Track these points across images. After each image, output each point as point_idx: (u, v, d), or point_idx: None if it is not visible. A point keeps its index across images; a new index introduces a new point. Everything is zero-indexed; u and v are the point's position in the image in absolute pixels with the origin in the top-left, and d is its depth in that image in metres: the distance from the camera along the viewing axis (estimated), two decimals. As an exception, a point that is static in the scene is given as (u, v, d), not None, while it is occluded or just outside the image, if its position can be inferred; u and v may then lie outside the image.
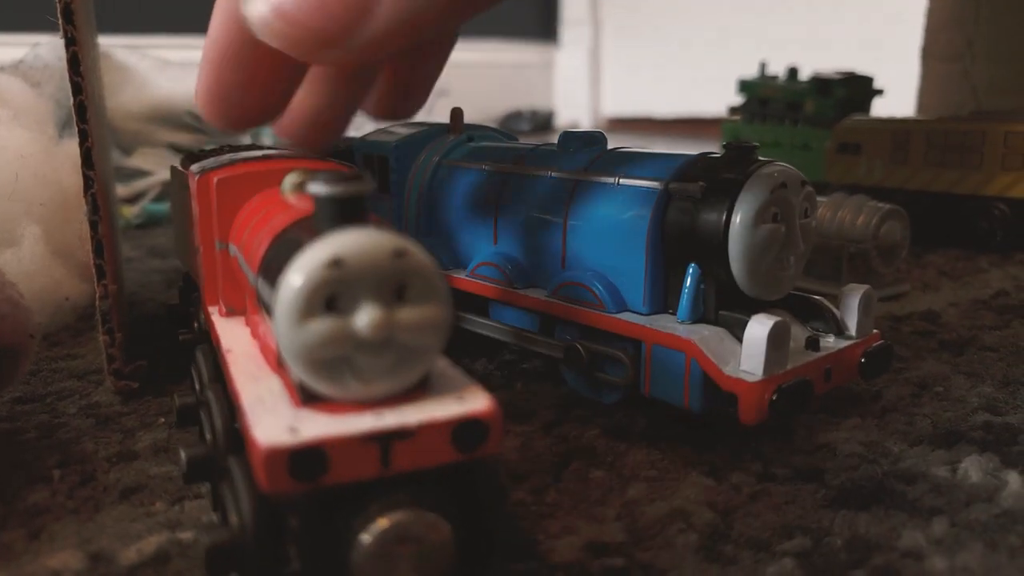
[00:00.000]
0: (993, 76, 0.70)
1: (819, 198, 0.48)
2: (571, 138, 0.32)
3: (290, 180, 0.21)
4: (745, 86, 0.81)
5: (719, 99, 0.92)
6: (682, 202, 0.26)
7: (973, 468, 0.24)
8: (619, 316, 0.27)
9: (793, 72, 0.78)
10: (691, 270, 0.26)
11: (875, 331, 0.28)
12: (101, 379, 0.32)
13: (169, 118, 0.80)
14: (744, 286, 0.26)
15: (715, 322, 0.26)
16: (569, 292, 0.29)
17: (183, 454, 0.20)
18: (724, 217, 0.25)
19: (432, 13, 0.19)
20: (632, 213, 0.27)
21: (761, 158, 0.26)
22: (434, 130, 0.37)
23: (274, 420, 0.16)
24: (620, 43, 1.92)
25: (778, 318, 0.24)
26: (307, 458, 0.15)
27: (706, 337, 0.25)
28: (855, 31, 1.32)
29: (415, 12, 0.19)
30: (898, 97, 0.76)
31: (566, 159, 0.31)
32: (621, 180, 0.28)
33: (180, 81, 0.82)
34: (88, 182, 0.28)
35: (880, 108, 0.73)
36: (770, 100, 0.78)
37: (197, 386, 0.24)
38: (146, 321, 0.40)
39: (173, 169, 0.36)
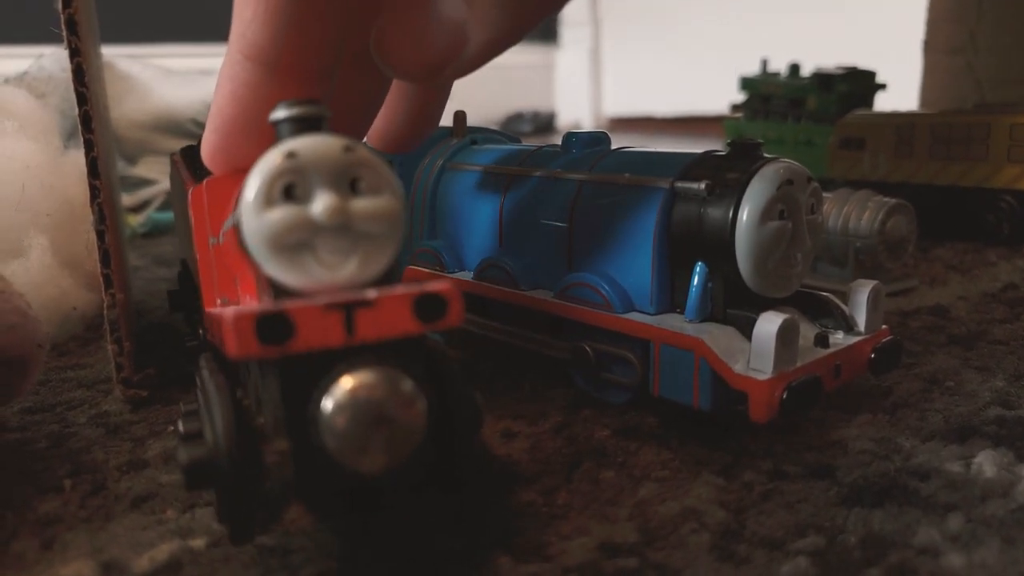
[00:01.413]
0: (996, 68, 0.70)
1: (824, 194, 0.48)
2: (575, 139, 0.31)
3: None
4: (747, 83, 0.81)
5: (721, 97, 0.92)
6: (688, 201, 0.26)
7: (987, 463, 0.24)
8: (626, 316, 0.27)
9: (795, 68, 0.77)
10: (698, 269, 0.26)
11: (884, 327, 0.28)
12: (110, 388, 0.32)
13: (173, 127, 0.81)
14: (752, 284, 0.26)
15: (723, 320, 0.26)
16: (576, 293, 0.29)
17: (181, 458, 0.20)
18: (731, 215, 0.25)
19: (507, 37, 0.22)
20: (638, 212, 0.27)
21: (766, 155, 0.26)
22: (438, 133, 0.37)
23: (247, 309, 0.17)
24: (620, 43, 1.92)
25: (787, 315, 0.24)
26: (273, 322, 0.16)
27: (715, 336, 0.25)
28: (856, 26, 1.32)
29: (496, 37, 0.22)
30: (901, 91, 0.75)
31: (570, 160, 0.31)
32: (626, 180, 0.28)
33: (183, 90, 0.82)
34: (94, 192, 0.28)
35: (883, 103, 0.73)
36: (772, 97, 0.78)
37: (200, 397, 0.24)
38: (154, 329, 0.40)
39: (172, 158, 0.36)
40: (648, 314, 0.27)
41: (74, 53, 0.27)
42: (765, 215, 0.25)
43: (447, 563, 0.20)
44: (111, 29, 0.54)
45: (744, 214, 0.25)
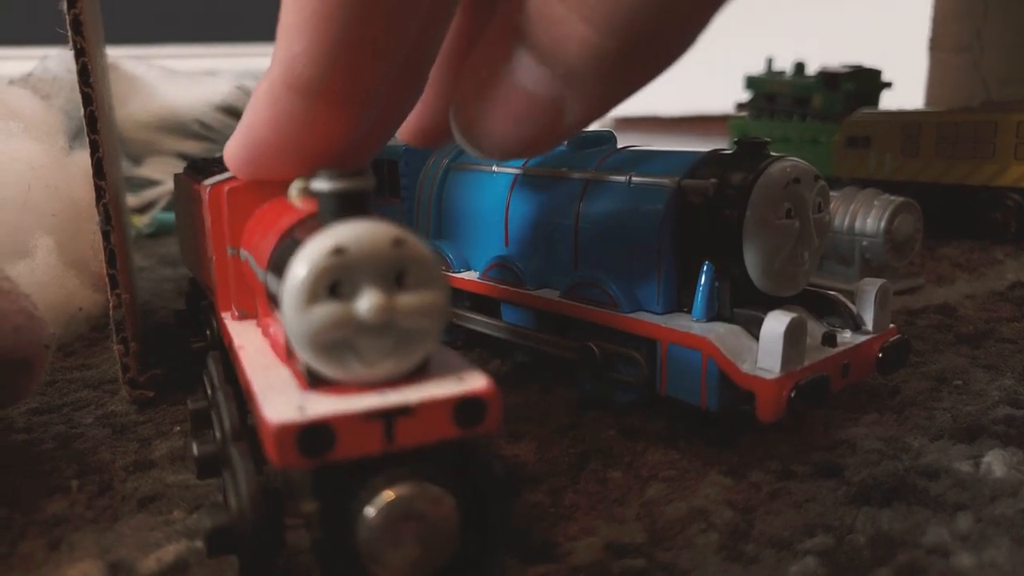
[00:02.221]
0: (1003, 66, 0.70)
1: (830, 193, 0.47)
2: (580, 138, 0.31)
3: (296, 186, 0.21)
4: (752, 82, 0.81)
5: (725, 96, 0.92)
6: (695, 199, 0.26)
7: (996, 462, 0.24)
8: (633, 316, 0.27)
9: (800, 67, 0.77)
10: (705, 268, 0.26)
11: (892, 326, 0.28)
12: (116, 388, 0.32)
13: (178, 127, 0.81)
14: (759, 283, 0.25)
15: (730, 320, 0.26)
16: (582, 292, 0.29)
17: (195, 449, 0.21)
18: (737, 214, 0.25)
19: (603, 108, 0.20)
20: (644, 211, 0.27)
21: (773, 154, 0.26)
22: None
23: (283, 401, 0.17)
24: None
25: (794, 314, 0.24)
26: (315, 434, 0.16)
27: (722, 335, 0.25)
28: (862, 24, 1.32)
29: (592, 109, 0.20)
30: (907, 90, 0.75)
31: (576, 159, 0.31)
32: (633, 178, 0.28)
33: (188, 90, 0.83)
34: (100, 192, 0.28)
35: (888, 101, 0.73)
36: (777, 96, 0.77)
37: (209, 391, 0.24)
38: (159, 330, 0.40)
39: (177, 177, 0.37)
40: (655, 313, 0.27)
41: (79, 53, 0.27)
42: (772, 214, 0.25)
43: (454, 564, 0.20)
44: (116, 30, 0.54)
45: (751, 213, 0.25)
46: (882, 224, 0.43)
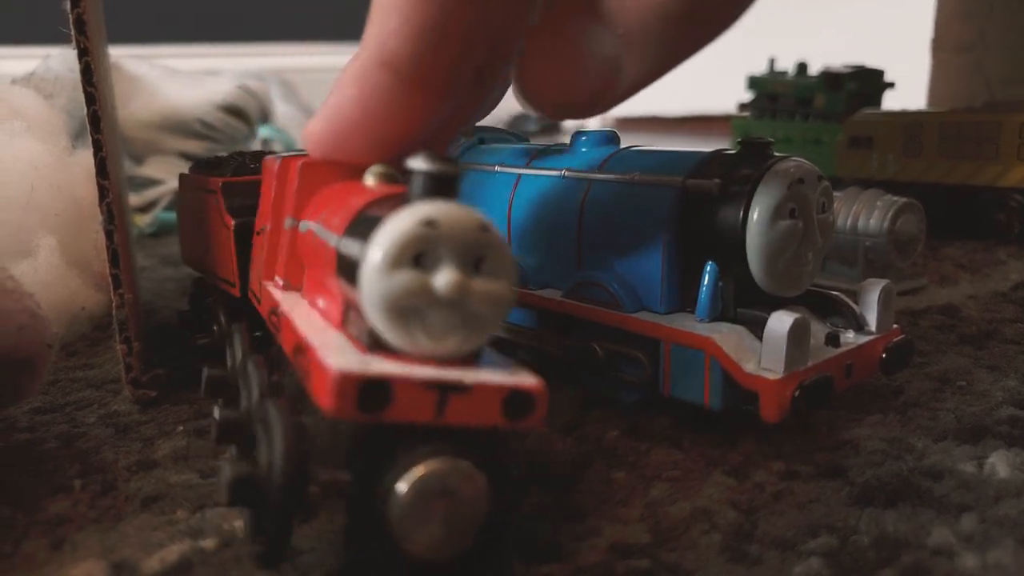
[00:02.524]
0: (1006, 66, 0.69)
1: (834, 194, 0.47)
2: (584, 137, 0.31)
3: (374, 171, 0.22)
4: (754, 82, 0.80)
5: (727, 96, 0.92)
6: (699, 199, 0.26)
7: (1000, 463, 0.24)
8: (636, 315, 0.27)
9: (802, 67, 0.77)
10: (709, 268, 0.26)
11: (895, 326, 0.28)
12: (119, 388, 0.32)
13: (179, 127, 0.81)
14: (762, 283, 0.25)
15: (734, 320, 0.26)
16: (585, 292, 0.29)
17: (216, 413, 0.21)
18: (741, 214, 0.25)
19: (661, 71, 0.21)
20: (648, 211, 0.27)
21: (777, 154, 0.26)
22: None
23: (344, 356, 0.17)
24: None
25: (798, 314, 0.24)
26: (374, 389, 0.16)
27: (725, 335, 0.25)
28: (864, 24, 1.31)
29: (650, 72, 0.20)
30: (909, 90, 0.75)
31: (579, 158, 0.31)
32: (636, 178, 0.28)
33: (190, 90, 0.83)
34: (103, 192, 0.28)
35: (891, 101, 0.73)
36: (780, 96, 0.77)
37: (231, 360, 0.25)
38: (162, 330, 0.40)
39: (183, 177, 0.37)
40: (658, 313, 0.27)
41: (83, 53, 0.27)
42: (776, 214, 0.25)
43: (459, 565, 0.20)
44: (118, 29, 0.54)
45: (755, 213, 0.25)
46: (885, 224, 0.43)
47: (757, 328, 0.25)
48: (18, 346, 0.25)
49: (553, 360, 0.31)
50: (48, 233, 0.37)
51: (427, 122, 0.21)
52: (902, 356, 0.27)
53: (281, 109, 1.00)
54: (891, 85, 0.72)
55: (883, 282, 0.27)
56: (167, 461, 0.26)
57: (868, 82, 0.71)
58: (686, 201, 0.26)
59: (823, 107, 0.72)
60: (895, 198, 0.44)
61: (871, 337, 0.27)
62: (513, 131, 0.39)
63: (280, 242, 0.24)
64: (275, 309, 0.23)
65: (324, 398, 0.16)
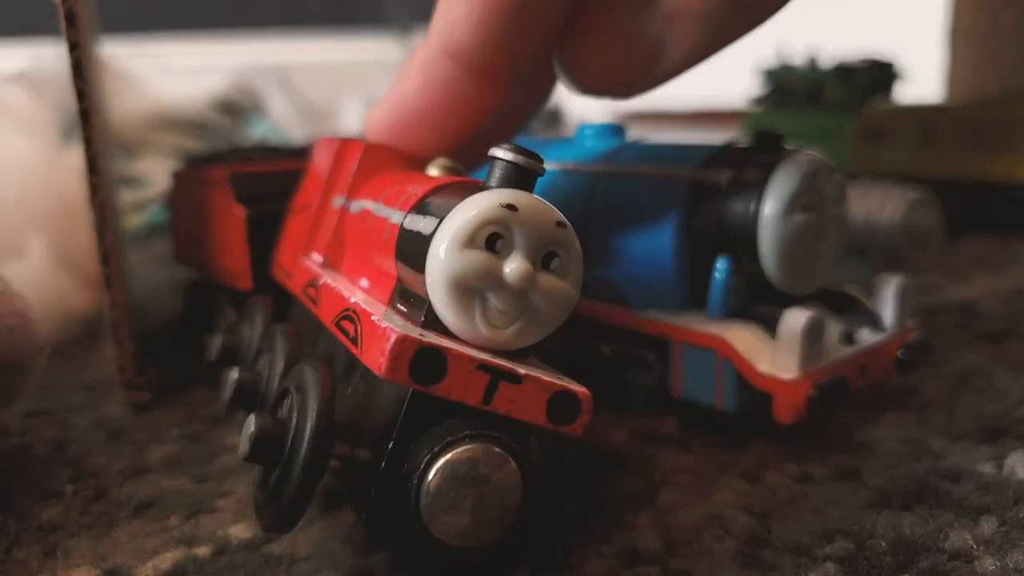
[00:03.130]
0: (1021, 57, 0.68)
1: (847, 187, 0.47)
2: (589, 130, 0.31)
3: (439, 162, 0.22)
4: (766, 75, 0.79)
5: (736, 90, 0.90)
6: (709, 193, 0.25)
7: (1020, 464, 0.23)
8: (645, 314, 0.26)
9: (814, 59, 0.76)
10: (720, 264, 0.25)
11: (911, 323, 0.27)
12: (111, 391, 0.31)
13: (171, 124, 0.80)
14: (776, 279, 0.25)
15: (746, 318, 0.25)
16: (591, 290, 0.28)
17: (234, 374, 0.21)
18: (754, 208, 0.24)
19: (705, 52, 0.21)
20: (657, 206, 0.26)
21: (789, 146, 0.25)
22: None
23: (401, 325, 0.17)
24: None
25: (813, 312, 0.23)
26: (430, 359, 0.16)
27: (738, 334, 0.24)
28: (877, 14, 1.30)
29: (693, 53, 0.20)
30: (923, 81, 0.74)
31: (585, 152, 0.30)
32: (645, 172, 0.27)
33: (181, 86, 0.82)
34: (95, 190, 0.27)
35: (904, 93, 0.72)
36: (792, 88, 0.76)
37: (247, 332, 0.25)
38: (154, 331, 0.39)
39: (176, 173, 0.36)
40: (668, 311, 0.26)
41: (73, 47, 0.26)
42: (789, 208, 0.24)
43: (463, 573, 0.19)
44: (107, 20, 0.53)
45: (768, 207, 0.24)
46: (899, 218, 0.42)
47: (771, 326, 0.24)
48: (9, 349, 0.24)
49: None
50: (38, 233, 0.36)
51: (492, 115, 0.21)
52: (918, 355, 0.26)
53: (277, 105, 0.99)
54: (904, 77, 0.71)
55: (898, 277, 0.27)
56: (160, 467, 0.25)
57: (881, 74, 0.70)
58: (695, 195, 0.26)
59: (836, 99, 0.71)
60: (909, 191, 0.43)
61: (886, 335, 0.26)
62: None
63: (325, 220, 0.24)
64: (314, 281, 0.22)
65: (378, 360, 0.16)
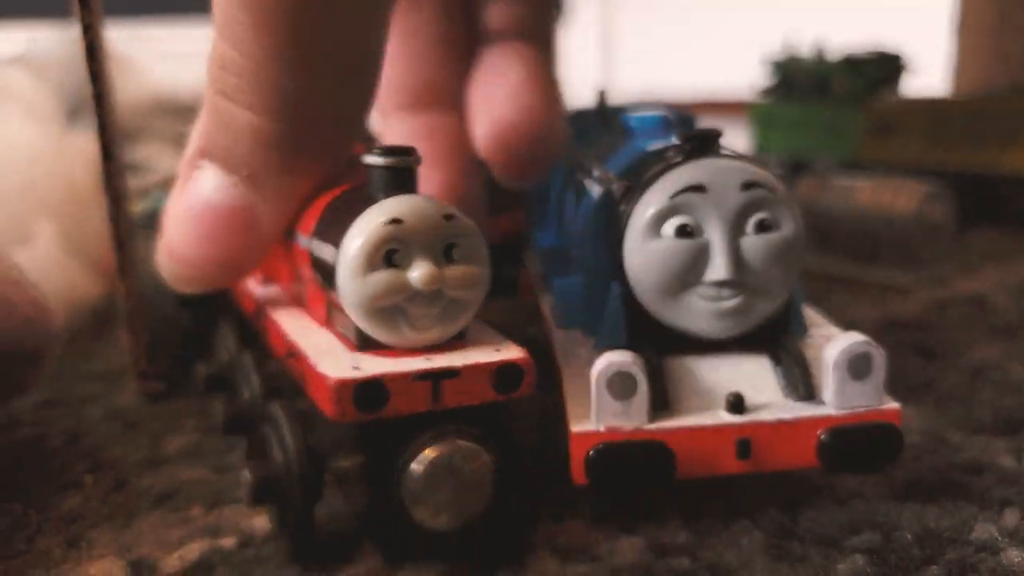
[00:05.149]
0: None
1: (856, 180, 0.46)
2: (637, 122, 0.26)
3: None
4: (773, 67, 0.79)
5: (740, 78, 0.90)
6: (614, 204, 0.22)
7: (1040, 456, 0.23)
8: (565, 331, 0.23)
9: (821, 51, 0.76)
10: (612, 287, 0.21)
11: (891, 406, 0.20)
12: (125, 381, 0.31)
13: (171, 110, 0.79)
14: (657, 315, 0.21)
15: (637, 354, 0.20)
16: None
17: (224, 407, 0.22)
18: (623, 227, 0.21)
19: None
20: (584, 215, 0.23)
21: (724, 150, 0.21)
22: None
23: (337, 361, 0.18)
24: (632, 28, 1.90)
25: (628, 356, 0.19)
26: (370, 390, 0.17)
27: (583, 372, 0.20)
28: (884, 5, 1.30)
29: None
30: (930, 73, 0.74)
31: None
32: (587, 178, 0.24)
33: (183, 71, 0.81)
34: (108, 176, 0.27)
35: (912, 85, 0.71)
36: (799, 80, 0.76)
37: (224, 356, 0.26)
38: (163, 321, 0.39)
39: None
40: (580, 332, 0.23)
41: (87, 29, 0.26)
42: (651, 228, 0.20)
43: (493, 564, 0.19)
44: (106, 5, 0.53)
45: (630, 226, 0.20)
46: (910, 212, 0.42)
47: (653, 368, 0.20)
48: (24, 339, 0.24)
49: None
50: (47, 220, 0.36)
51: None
52: (861, 447, 0.20)
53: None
54: (911, 69, 0.71)
55: (856, 340, 0.20)
56: (177, 457, 0.25)
57: (888, 66, 0.70)
58: (608, 205, 0.22)
59: (843, 91, 0.71)
60: (920, 185, 0.43)
61: (807, 412, 0.20)
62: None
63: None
64: (260, 311, 0.23)
65: (325, 405, 0.17)
